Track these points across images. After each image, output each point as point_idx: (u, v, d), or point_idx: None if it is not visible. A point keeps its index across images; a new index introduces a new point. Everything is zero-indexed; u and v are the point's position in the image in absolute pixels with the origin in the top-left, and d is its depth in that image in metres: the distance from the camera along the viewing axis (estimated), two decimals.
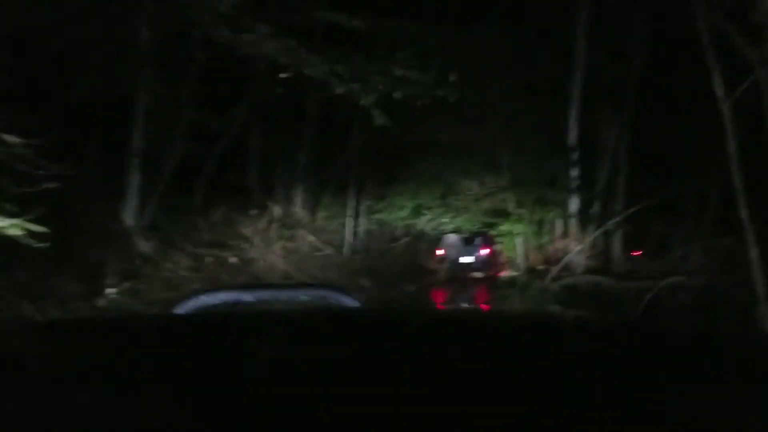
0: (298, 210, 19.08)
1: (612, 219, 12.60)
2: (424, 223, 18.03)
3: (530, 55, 13.88)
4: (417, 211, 17.67)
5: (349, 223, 19.06)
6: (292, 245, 16.89)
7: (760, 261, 6.04)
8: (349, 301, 2.12)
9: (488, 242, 17.02)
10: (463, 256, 17.90)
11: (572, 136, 12.84)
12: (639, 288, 10.74)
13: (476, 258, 17.48)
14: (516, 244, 14.97)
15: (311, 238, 17.86)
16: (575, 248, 12.89)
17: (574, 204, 12.59)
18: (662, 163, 13.51)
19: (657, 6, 13.49)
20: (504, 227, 14.79)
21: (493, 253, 16.84)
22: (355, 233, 19.55)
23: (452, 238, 18.26)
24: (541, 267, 14.17)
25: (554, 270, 12.29)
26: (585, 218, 12.85)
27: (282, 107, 15.24)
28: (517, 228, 14.17)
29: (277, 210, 17.12)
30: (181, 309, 2.00)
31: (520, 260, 14.88)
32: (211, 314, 2.16)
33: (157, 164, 13.20)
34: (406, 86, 11.21)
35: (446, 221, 17.53)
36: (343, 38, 11.15)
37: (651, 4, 13.17)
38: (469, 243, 17.75)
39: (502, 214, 14.65)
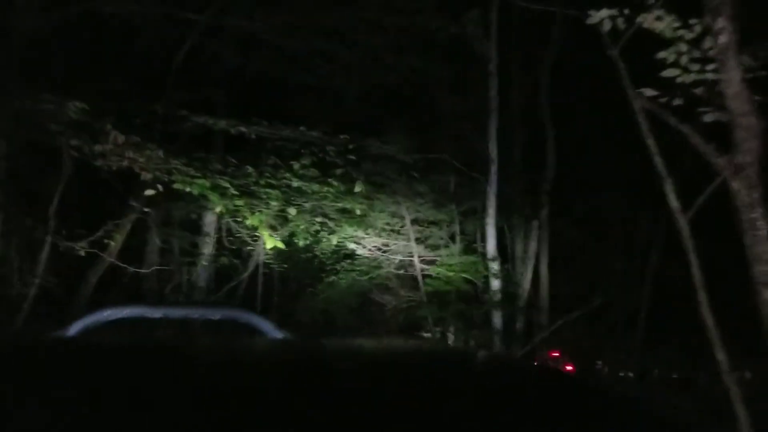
0: None
1: (538, 335, 11.59)
2: None
3: (442, 163, 13.29)
4: None
5: None
6: None
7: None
8: (263, 324, 2.16)
9: None
10: None
11: (491, 246, 11.88)
12: None
13: None
14: None
15: None
16: None
17: (497, 319, 11.43)
18: (585, 271, 12.91)
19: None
20: None
21: None
22: None
23: None
24: None
25: None
26: (509, 336, 11.64)
27: None
28: None
29: None
30: (83, 323, 1.96)
31: None
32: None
33: None
34: (304, 197, 10.08)
35: None
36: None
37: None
38: None
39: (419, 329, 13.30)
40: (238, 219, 10.25)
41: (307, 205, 10.25)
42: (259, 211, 8.96)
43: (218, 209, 8.67)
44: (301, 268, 16.27)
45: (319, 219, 10.71)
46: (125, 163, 7.75)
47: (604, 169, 13.52)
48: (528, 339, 11.74)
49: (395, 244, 13.74)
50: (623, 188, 12.91)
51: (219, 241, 16.63)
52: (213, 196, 8.16)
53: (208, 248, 17.10)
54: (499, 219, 12.05)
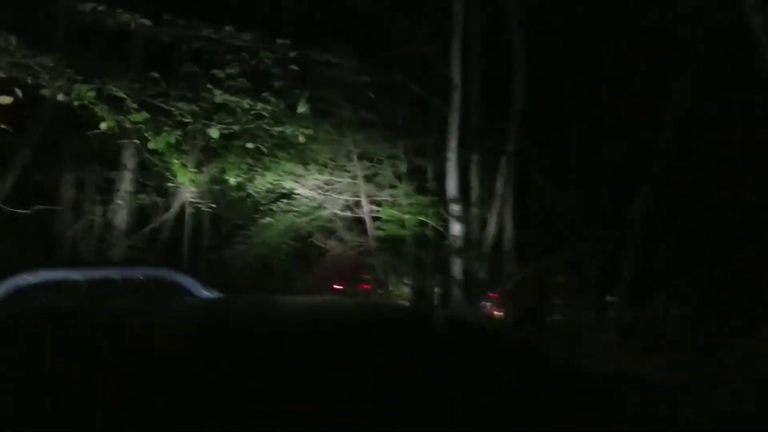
0: None
1: (502, 283, 10.26)
2: None
3: (395, 89, 11.53)
4: None
5: None
6: None
7: None
8: (189, 283, 1.57)
9: None
10: None
11: (452, 185, 10.34)
12: None
13: None
14: None
15: None
16: None
17: (457, 267, 10.00)
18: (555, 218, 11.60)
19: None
20: None
21: None
22: None
23: None
24: None
25: None
26: (469, 285, 10.22)
27: None
28: None
29: None
30: (4, 289, 1.44)
31: None
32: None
33: None
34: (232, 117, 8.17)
35: None
36: None
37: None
38: None
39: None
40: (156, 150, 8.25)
41: (236, 128, 8.32)
42: (166, 131, 6.93)
43: (105, 125, 6.62)
44: (233, 208, 14.42)
45: (250, 146, 8.79)
46: None
47: (579, 108, 12.02)
48: (491, 288, 10.37)
49: (339, 182, 12.02)
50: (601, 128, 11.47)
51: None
52: (99, 109, 6.18)
53: (125, 184, 14.96)
54: (462, 155, 10.49)
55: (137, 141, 8.28)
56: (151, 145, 7.12)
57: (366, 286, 13.01)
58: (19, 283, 2.11)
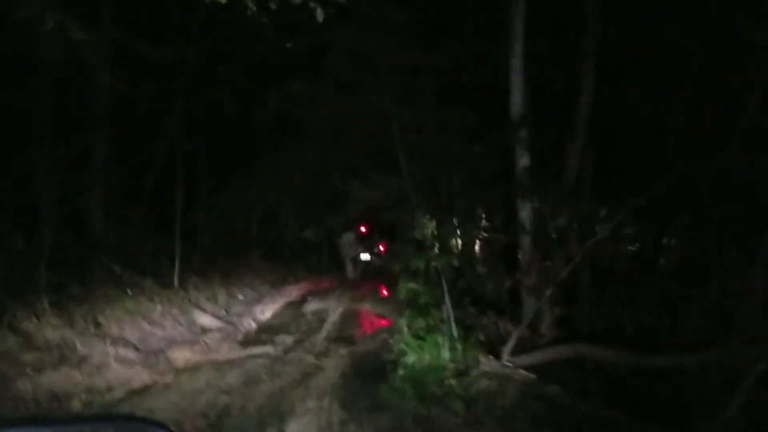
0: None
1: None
2: None
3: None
4: None
5: None
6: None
7: None
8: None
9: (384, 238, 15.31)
10: (362, 254, 16.68)
11: (516, 103, 7.78)
12: None
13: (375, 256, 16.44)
14: None
15: None
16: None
17: (525, 213, 7.53)
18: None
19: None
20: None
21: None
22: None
23: (348, 236, 16.70)
24: None
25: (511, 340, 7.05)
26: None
27: None
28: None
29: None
30: None
31: None
32: None
33: None
34: None
35: None
36: None
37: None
38: (364, 240, 16.56)
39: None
40: None
41: None
42: None
43: None
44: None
45: None
46: None
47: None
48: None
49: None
50: None
51: None
52: None
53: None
54: (530, 68, 7.76)
55: None
56: None
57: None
58: None
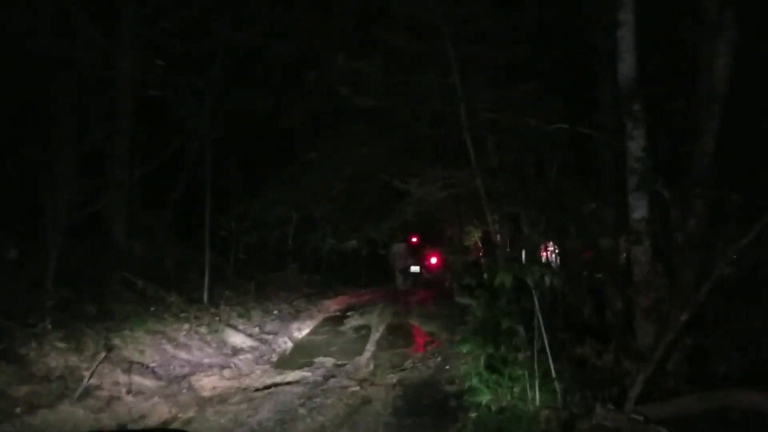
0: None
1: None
2: None
3: None
4: None
5: None
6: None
7: None
8: None
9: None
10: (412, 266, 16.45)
11: (627, 67, 6.13)
12: None
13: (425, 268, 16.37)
14: None
15: None
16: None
17: (640, 209, 5.85)
18: None
19: None
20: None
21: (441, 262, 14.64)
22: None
23: (399, 247, 16.48)
24: None
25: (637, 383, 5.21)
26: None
27: None
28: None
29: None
30: None
31: None
32: None
33: None
34: None
35: None
36: None
37: None
38: (415, 251, 16.45)
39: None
40: None
41: None
42: None
43: None
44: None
45: None
46: None
47: None
48: None
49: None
50: None
51: None
52: None
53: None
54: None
55: None
56: None
57: None
58: None
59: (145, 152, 11.53)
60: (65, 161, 8.35)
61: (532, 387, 5.89)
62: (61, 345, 7.46)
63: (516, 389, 6.14)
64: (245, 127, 12.94)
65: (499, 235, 7.07)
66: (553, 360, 5.55)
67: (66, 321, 7.84)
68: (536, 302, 5.58)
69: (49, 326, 7.41)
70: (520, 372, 6.17)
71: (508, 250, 6.74)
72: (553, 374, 5.62)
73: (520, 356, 6.14)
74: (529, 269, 5.51)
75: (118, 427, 5.82)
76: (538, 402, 5.78)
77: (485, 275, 6.72)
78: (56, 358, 7.18)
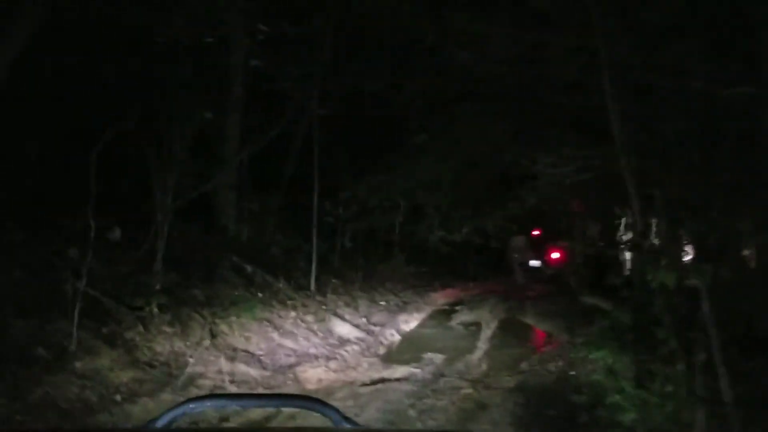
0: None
1: None
2: None
3: None
4: None
5: None
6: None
7: None
8: (335, 416, 1.87)
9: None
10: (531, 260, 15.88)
11: None
12: None
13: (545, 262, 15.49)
14: None
15: None
16: None
17: None
18: None
19: None
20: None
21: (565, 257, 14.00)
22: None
23: (518, 240, 15.91)
24: None
25: None
26: None
27: None
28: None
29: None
30: (172, 415, 1.74)
31: None
32: None
33: None
34: None
35: None
36: None
37: None
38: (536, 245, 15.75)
39: None
40: None
41: None
42: None
43: None
44: None
45: None
46: None
47: None
48: None
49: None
50: None
51: None
52: None
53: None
54: None
55: None
56: None
57: None
58: (185, 410, 1.71)
59: (255, 132, 11.30)
60: (175, 140, 8.16)
61: (691, 409, 4.86)
62: (168, 329, 7.24)
63: (672, 413, 5.14)
64: (355, 106, 12.44)
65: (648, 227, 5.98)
66: (729, 380, 4.46)
67: (173, 305, 7.64)
68: (707, 308, 4.52)
69: (156, 310, 7.20)
70: (671, 389, 5.17)
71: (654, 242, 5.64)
72: (726, 397, 4.52)
73: (677, 370, 5.10)
74: (699, 268, 4.46)
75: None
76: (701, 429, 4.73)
77: (627, 273, 5.71)
78: (162, 342, 6.96)
